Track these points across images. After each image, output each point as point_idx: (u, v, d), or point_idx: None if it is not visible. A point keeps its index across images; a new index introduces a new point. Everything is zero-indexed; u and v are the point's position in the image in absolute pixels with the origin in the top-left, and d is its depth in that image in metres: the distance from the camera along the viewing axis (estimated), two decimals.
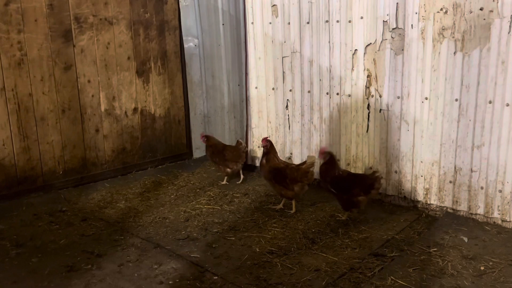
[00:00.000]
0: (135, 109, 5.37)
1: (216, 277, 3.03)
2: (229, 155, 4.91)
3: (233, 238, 3.65)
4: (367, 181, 3.78)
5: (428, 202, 3.98)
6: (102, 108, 5.06)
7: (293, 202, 4.16)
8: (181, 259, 3.30)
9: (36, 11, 4.42)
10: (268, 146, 4.27)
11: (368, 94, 4.22)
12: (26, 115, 4.49)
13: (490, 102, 3.50)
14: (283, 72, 4.87)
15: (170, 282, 2.97)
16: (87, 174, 5.02)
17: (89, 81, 4.91)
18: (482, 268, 3.03)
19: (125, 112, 5.29)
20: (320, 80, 4.56)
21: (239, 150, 4.91)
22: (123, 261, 3.28)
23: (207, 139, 5.06)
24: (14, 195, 4.47)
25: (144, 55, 5.36)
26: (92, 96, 4.96)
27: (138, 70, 5.32)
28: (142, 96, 5.42)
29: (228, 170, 4.94)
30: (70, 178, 4.89)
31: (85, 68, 4.86)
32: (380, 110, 4.16)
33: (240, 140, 4.98)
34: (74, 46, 4.74)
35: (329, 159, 3.96)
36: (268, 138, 4.34)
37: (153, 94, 5.53)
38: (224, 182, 5.00)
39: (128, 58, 5.21)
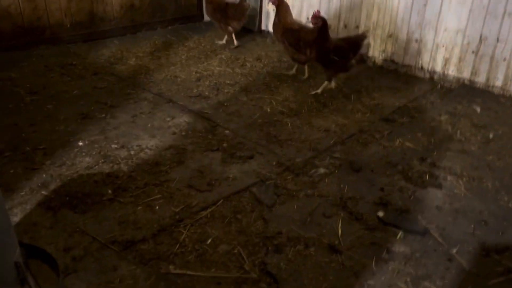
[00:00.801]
0: None
1: (228, 131, 3.10)
2: (231, 13, 4.66)
3: (245, 99, 3.65)
4: (358, 43, 3.57)
5: (446, 73, 3.88)
6: None
7: (306, 67, 4.07)
8: (193, 114, 3.34)
9: None
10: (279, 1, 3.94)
11: None
12: None
13: None
14: None
15: (183, 133, 3.05)
16: (96, 30, 4.86)
17: None
18: (490, 135, 3.06)
19: None
20: None
21: (242, 7, 4.67)
22: (136, 112, 3.33)
23: None
24: (23, 45, 4.39)
25: None
26: None
27: None
28: None
29: (230, 28, 4.74)
30: (78, 32, 4.74)
31: None
32: None
33: None
34: None
35: (324, 27, 3.54)
36: None
37: None
38: (235, 43, 4.84)
39: None
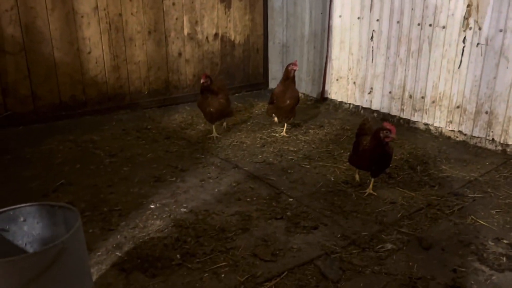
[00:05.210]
0: (216, 35, 5.40)
1: (292, 199, 3.13)
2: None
3: (308, 166, 3.70)
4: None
5: None
6: (185, 32, 5.15)
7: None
8: (258, 180, 3.43)
9: None
10: (209, 83, 4.00)
11: (465, 26, 3.88)
12: (116, 34, 4.69)
13: None
14: None
15: (247, 200, 3.12)
16: (169, 96, 5.25)
17: (173, 4, 4.97)
18: None
19: (206, 37, 5.34)
20: (412, 9, 4.24)
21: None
22: (204, 177, 3.48)
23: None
24: (105, 110, 4.83)
25: None
26: (176, 19, 5.04)
27: None
28: (223, 22, 5.41)
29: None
30: (154, 98, 5.14)
31: None
32: (478, 44, 3.82)
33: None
34: None
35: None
36: (208, 74, 4.05)
37: (233, 20, 5.49)
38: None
39: None
